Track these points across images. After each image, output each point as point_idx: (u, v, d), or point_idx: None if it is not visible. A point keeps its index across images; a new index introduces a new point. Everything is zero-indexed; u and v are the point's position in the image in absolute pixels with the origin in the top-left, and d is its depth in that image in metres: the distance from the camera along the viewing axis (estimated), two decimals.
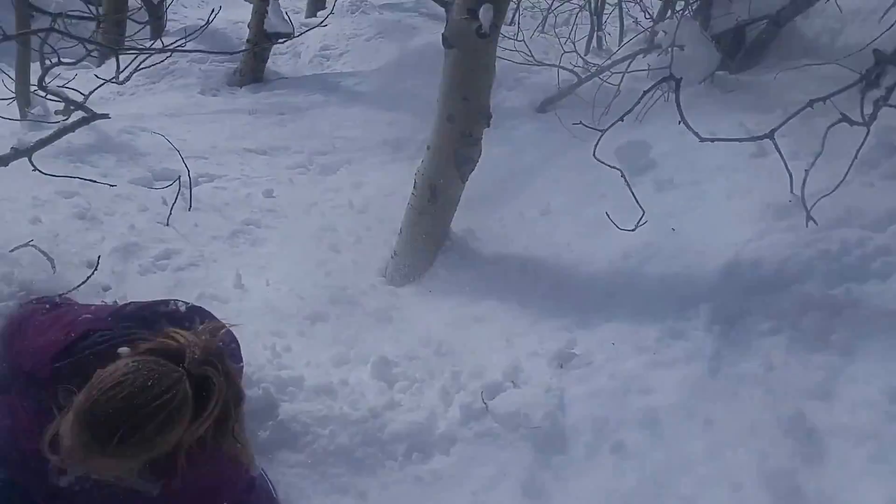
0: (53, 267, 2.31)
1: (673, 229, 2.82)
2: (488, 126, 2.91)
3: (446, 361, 2.51)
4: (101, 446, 1.34)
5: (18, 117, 3.75)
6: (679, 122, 2.40)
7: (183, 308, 1.86)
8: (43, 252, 2.32)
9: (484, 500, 2.08)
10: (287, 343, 2.58)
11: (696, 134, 2.36)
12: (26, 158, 2.28)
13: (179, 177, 3.40)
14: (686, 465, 2.07)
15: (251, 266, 3.05)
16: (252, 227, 3.41)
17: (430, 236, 3.08)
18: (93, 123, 2.93)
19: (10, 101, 3.79)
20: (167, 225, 3.15)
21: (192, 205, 3.41)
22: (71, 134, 2.67)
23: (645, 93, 2.70)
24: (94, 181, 2.83)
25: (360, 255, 3.32)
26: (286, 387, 2.34)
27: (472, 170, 2.98)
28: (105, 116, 2.69)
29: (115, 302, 2.28)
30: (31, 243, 2.31)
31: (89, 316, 1.78)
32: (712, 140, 2.40)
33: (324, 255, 3.25)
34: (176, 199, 3.31)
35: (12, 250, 2.30)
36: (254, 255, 3.17)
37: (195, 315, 1.85)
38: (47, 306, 1.91)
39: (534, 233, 3.19)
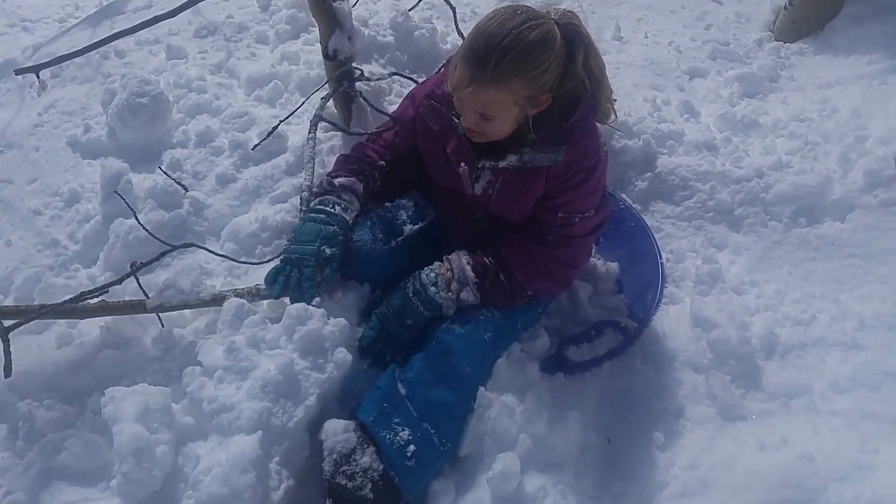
0: None
1: None
2: None
3: (848, 124, 2.24)
4: (482, 70, 1.45)
5: None
6: None
7: None
8: None
9: (880, 273, 1.91)
10: (666, 97, 2.51)
11: None
12: None
13: None
14: None
15: (629, 18, 2.94)
16: None
17: None
18: None
19: None
20: None
21: None
22: None
23: None
24: None
25: (745, 6, 3.02)
26: (665, 140, 2.30)
27: None
28: None
29: None
30: None
31: None
32: None
33: (704, 6, 3.01)
34: None
35: None
36: (631, 5, 3.03)
37: None
38: None
39: None
